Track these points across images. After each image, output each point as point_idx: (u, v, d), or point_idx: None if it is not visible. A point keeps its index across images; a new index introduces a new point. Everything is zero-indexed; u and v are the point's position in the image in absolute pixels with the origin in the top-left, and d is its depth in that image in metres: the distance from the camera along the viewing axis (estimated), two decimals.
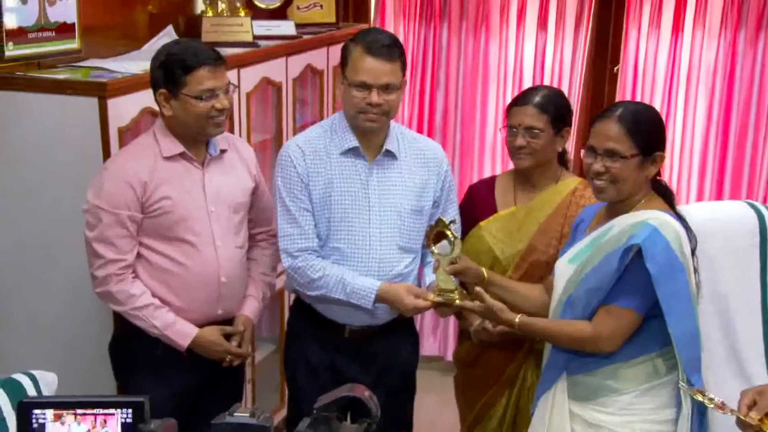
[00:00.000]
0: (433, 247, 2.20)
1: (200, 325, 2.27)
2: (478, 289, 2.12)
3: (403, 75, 2.27)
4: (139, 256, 2.22)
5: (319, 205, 2.29)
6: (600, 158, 1.96)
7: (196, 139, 2.23)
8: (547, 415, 2.07)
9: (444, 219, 2.21)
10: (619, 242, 1.93)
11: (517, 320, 2.07)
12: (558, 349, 2.08)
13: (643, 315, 1.93)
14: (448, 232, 2.18)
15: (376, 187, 2.31)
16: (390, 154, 2.33)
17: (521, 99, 2.36)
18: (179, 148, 2.21)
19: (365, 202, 2.30)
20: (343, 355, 2.36)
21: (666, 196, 2.03)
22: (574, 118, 3.46)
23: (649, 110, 2.06)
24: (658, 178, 2.04)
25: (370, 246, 2.29)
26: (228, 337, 2.32)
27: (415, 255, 2.37)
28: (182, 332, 2.22)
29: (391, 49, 2.23)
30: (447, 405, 2.72)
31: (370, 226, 2.30)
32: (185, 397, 2.28)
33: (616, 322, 1.93)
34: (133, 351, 2.27)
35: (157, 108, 2.40)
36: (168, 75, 2.15)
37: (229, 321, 2.34)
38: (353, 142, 2.29)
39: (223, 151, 2.31)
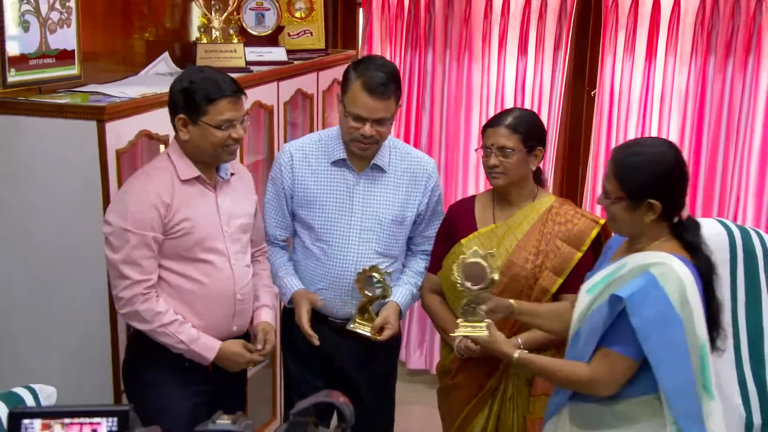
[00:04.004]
0: (464, 281, 2.19)
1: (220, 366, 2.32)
2: (488, 321, 2.12)
3: (398, 103, 2.42)
4: (158, 278, 2.25)
5: (306, 207, 2.48)
6: (602, 197, 2.03)
7: (209, 163, 2.29)
8: None
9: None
10: (624, 282, 1.92)
11: (515, 356, 2.07)
12: None
13: (639, 362, 1.90)
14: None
15: (361, 197, 2.47)
16: (378, 168, 2.48)
17: (494, 121, 2.44)
18: (195, 171, 2.25)
19: (349, 209, 2.46)
20: (329, 343, 2.49)
21: (687, 239, 1.96)
22: (553, 139, 3.61)
23: (647, 161, 1.95)
24: (683, 222, 1.98)
25: (348, 249, 2.46)
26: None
27: (394, 259, 2.51)
28: (207, 346, 2.27)
29: (387, 86, 2.35)
30: (433, 416, 2.77)
31: (351, 232, 2.46)
32: (195, 414, 2.26)
33: (613, 367, 1.91)
34: (149, 374, 2.29)
35: (154, 132, 2.51)
36: (189, 102, 2.19)
37: (241, 337, 2.39)
38: (342, 154, 2.46)
39: (231, 175, 2.38)
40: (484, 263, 2.14)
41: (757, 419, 2.59)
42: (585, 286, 2.06)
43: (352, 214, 2.47)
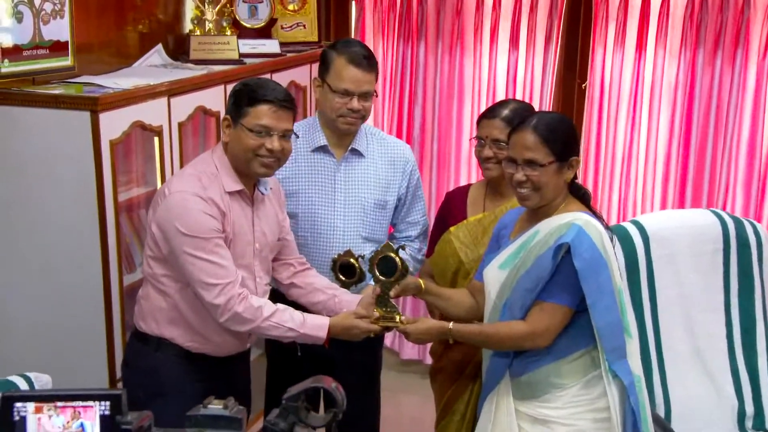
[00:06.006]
0: (376, 272, 2.22)
1: (226, 356, 2.25)
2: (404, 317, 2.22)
3: (376, 82, 2.48)
4: (185, 290, 2.15)
5: (288, 198, 2.44)
6: (521, 168, 2.04)
7: (245, 174, 2.18)
8: (492, 415, 2.12)
9: (392, 244, 2.27)
10: (547, 245, 2.01)
11: (450, 326, 2.12)
12: (499, 354, 2.13)
13: (574, 309, 2.01)
14: (396, 257, 2.22)
15: (343, 182, 2.51)
16: (357, 152, 2.52)
17: (490, 112, 2.46)
18: (239, 185, 2.17)
19: (331, 195, 2.50)
20: None
21: (583, 198, 2.12)
22: None
23: (562, 119, 2.15)
24: (575, 181, 2.13)
25: (334, 236, 2.48)
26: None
27: (378, 244, 2.48)
28: (316, 325, 2.17)
29: (370, 60, 2.45)
30: (425, 405, 2.81)
31: (335, 218, 2.49)
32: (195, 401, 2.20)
33: (550, 317, 2.01)
34: (158, 376, 2.19)
35: (147, 122, 2.52)
36: (235, 103, 2.14)
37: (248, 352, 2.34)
38: (323, 140, 2.50)
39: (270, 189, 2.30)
40: (395, 258, 2.22)
41: (749, 409, 2.62)
42: (494, 264, 2.14)
43: (335, 200, 2.51)
